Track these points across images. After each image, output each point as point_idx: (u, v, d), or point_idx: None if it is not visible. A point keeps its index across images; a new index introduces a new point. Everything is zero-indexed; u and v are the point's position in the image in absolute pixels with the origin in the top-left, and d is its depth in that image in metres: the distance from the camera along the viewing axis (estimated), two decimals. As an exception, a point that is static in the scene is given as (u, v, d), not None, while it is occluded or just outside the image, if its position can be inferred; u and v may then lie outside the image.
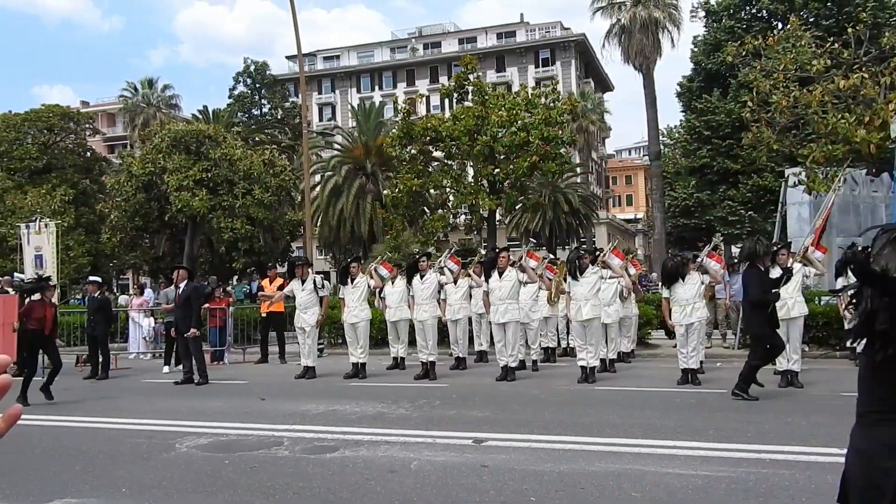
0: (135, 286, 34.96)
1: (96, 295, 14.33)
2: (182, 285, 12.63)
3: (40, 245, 17.10)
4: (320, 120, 67.48)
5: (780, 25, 31.06)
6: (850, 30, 14.44)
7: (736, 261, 17.21)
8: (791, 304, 9.77)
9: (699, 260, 11.12)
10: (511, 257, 12.11)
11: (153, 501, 5.52)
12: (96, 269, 32.68)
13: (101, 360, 13.59)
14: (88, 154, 43.12)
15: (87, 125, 43.14)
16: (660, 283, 18.90)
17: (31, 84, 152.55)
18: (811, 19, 29.36)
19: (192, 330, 12.07)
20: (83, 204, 38.33)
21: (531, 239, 37.91)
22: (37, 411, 9.08)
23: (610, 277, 11.76)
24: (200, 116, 46.94)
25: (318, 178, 43.01)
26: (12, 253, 25.60)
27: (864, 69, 13.63)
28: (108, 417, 9.17)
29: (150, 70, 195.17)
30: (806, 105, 13.59)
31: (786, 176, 16.74)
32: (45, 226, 17.35)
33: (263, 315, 15.71)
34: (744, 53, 14.99)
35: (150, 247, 35.79)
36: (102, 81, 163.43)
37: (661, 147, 43.08)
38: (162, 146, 30.44)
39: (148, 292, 20.97)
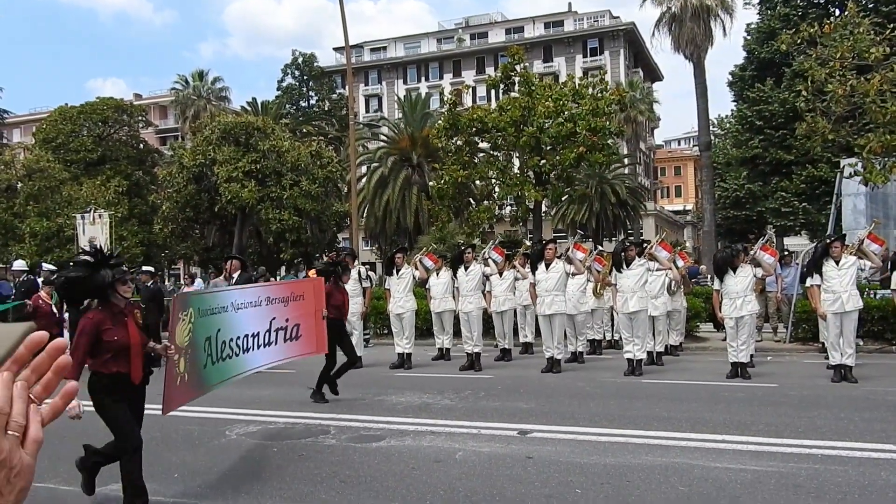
0: (186, 276, 35.65)
1: (149, 284, 14.67)
2: (235, 275, 12.82)
3: (95, 235, 17.55)
4: (367, 111, 67.77)
5: (837, 12, 30.18)
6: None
7: (787, 253, 16.86)
8: (846, 297, 9.53)
9: (752, 253, 10.91)
10: (558, 249, 12.04)
11: (204, 487, 5.65)
12: (149, 259, 33.31)
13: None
14: (141, 146, 43.86)
15: (139, 117, 43.91)
16: (709, 276, 18.63)
17: (85, 77, 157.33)
18: (870, 5, 28.37)
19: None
20: (136, 195, 39.10)
21: (578, 230, 37.61)
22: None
23: (657, 270, 11.61)
24: (249, 108, 47.61)
25: (364, 169, 43.27)
26: (69, 243, 26.35)
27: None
28: (160, 404, 9.36)
29: (201, 63, 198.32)
30: (863, 94, 13.21)
31: (841, 167, 16.34)
32: (100, 216, 17.83)
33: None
34: (799, 41, 14.60)
35: (201, 237, 36.49)
36: (155, 74, 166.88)
37: (712, 137, 42.26)
38: (212, 138, 31.05)
39: (198, 282, 21.43)
